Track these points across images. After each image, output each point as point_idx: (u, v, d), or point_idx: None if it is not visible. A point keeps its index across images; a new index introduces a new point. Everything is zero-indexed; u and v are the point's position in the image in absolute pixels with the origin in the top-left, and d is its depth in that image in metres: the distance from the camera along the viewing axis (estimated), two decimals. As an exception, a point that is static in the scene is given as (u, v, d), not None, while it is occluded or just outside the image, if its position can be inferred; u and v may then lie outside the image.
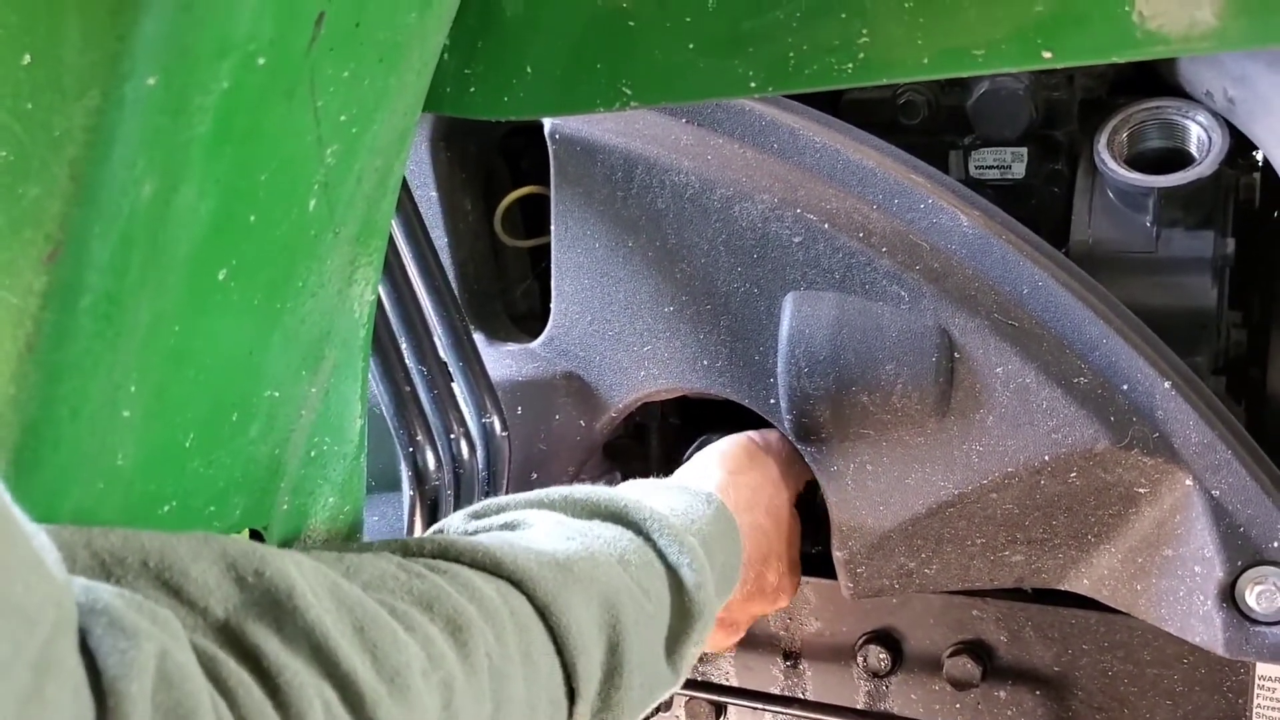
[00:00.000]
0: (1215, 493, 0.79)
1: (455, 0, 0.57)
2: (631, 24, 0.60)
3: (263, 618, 0.47)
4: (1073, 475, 0.82)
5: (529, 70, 0.62)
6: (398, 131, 0.57)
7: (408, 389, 0.76)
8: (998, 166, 0.98)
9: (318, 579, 0.51)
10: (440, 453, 0.79)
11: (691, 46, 0.59)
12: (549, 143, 0.91)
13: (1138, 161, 0.93)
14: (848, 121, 0.90)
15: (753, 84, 0.59)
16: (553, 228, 0.93)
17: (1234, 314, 1.01)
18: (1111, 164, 0.91)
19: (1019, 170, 0.98)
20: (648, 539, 0.68)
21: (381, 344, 0.76)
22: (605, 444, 1.06)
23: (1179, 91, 0.93)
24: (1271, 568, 0.79)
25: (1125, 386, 0.80)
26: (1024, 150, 0.97)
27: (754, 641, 1.20)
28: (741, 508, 0.83)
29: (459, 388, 0.85)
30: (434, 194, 0.98)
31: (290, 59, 0.48)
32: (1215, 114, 0.90)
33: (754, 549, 0.85)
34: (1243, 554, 0.79)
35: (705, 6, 0.59)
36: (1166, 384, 0.79)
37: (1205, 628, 0.81)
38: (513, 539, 0.63)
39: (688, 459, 1.09)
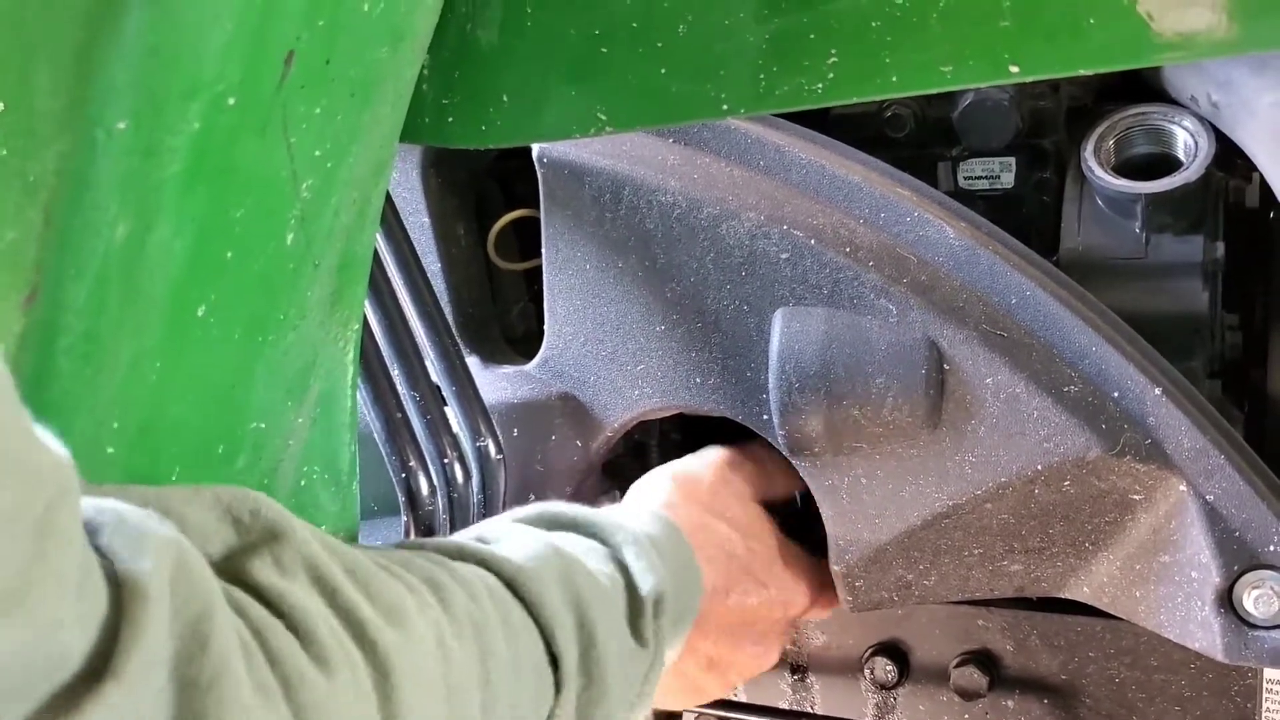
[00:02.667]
0: (1209, 497, 0.79)
1: (428, 33, 0.58)
2: (605, 50, 0.61)
3: (261, 554, 0.49)
4: (1067, 484, 0.82)
5: (505, 99, 0.63)
6: (374, 163, 0.58)
7: (399, 415, 0.77)
8: (986, 177, 0.98)
9: (307, 527, 0.52)
10: (434, 477, 0.80)
11: (664, 71, 0.60)
12: (537, 166, 0.92)
13: (1126, 167, 0.93)
14: (836, 136, 0.90)
15: (725, 106, 0.60)
16: (543, 250, 0.94)
17: (1231, 317, 1.01)
18: (1098, 171, 0.91)
19: (1008, 180, 0.98)
20: (597, 539, 0.73)
21: (372, 371, 0.77)
22: (605, 463, 1.07)
23: (1165, 97, 0.94)
24: (1269, 571, 0.79)
25: (1116, 394, 0.80)
26: (1012, 160, 0.97)
27: (761, 656, 1.20)
28: (699, 528, 0.85)
29: (453, 412, 0.85)
30: (426, 220, 0.98)
31: (261, 98, 0.48)
32: (1201, 118, 0.90)
33: (720, 556, 0.86)
34: (1239, 558, 0.79)
35: (676, 32, 0.59)
36: (1157, 390, 0.79)
37: (1204, 633, 0.81)
38: (476, 540, 0.67)
39: None
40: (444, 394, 0.85)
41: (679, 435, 1.17)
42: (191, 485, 0.49)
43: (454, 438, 0.83)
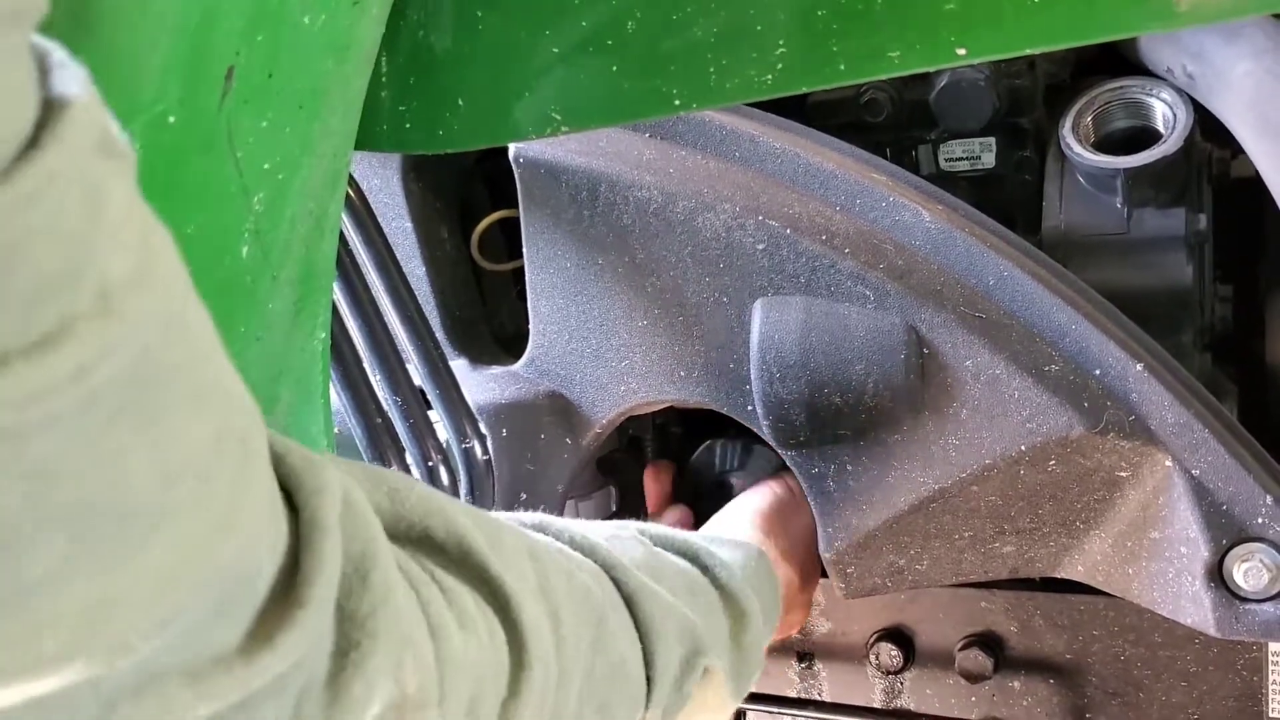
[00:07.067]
0: (1195, 472, 0.78)
1: (374, 43, 0.58)
2: (555, 51, 0.61)
3: (416, 525, 0.51)
4: (1052, 463, 0.82)
5: (461, 103, 0.63)
6: (328, 173, 0.58)
7: (379, 420, 0.77)
8: (967, 158, 0.98)
9: (459, 506, 0.55)
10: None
11: (615, 69, 0.60)
12: (514, 166, 0.92)
13: (1106, 143, 0.93)
14: (814, 124, 0.90)
15: (677, 102, 0.60)
16: (525, 250, 0.94)
17: (1225, 289, 1.00)
18: (1077, 148, 0.90)
19: (989, 160, 0.97)
20: (714, 581, 0.75)
21: (351, 377, 0.77)
22: (600, 458, 1.07)
23: (1142, 70, 0.93)
24: (1257, 544, 0.78)
25: (1097, 371, 0.79)
26: (992, 140, 0.97)
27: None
28: (778, 562, 0.87)
29: (438, 415, 0.86)
30: (408, 225, 0.99)
31: (203, 114, 0.49)
32: (1179, 90, 0.90)
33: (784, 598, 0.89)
34: (1227, 532, 0.78)
35: (624, 30, 0.60)
36: (1139, 366, 0.79)
37: (1196, 608, 0.81)
38: (601, 534, 0.68)
39: (696, 459, 1.10)
40: (428, 397, 0.86)
41: (678, 428, 1.17)
42: (369, 468, 0.51)
43: (439, 441, 0.83)
